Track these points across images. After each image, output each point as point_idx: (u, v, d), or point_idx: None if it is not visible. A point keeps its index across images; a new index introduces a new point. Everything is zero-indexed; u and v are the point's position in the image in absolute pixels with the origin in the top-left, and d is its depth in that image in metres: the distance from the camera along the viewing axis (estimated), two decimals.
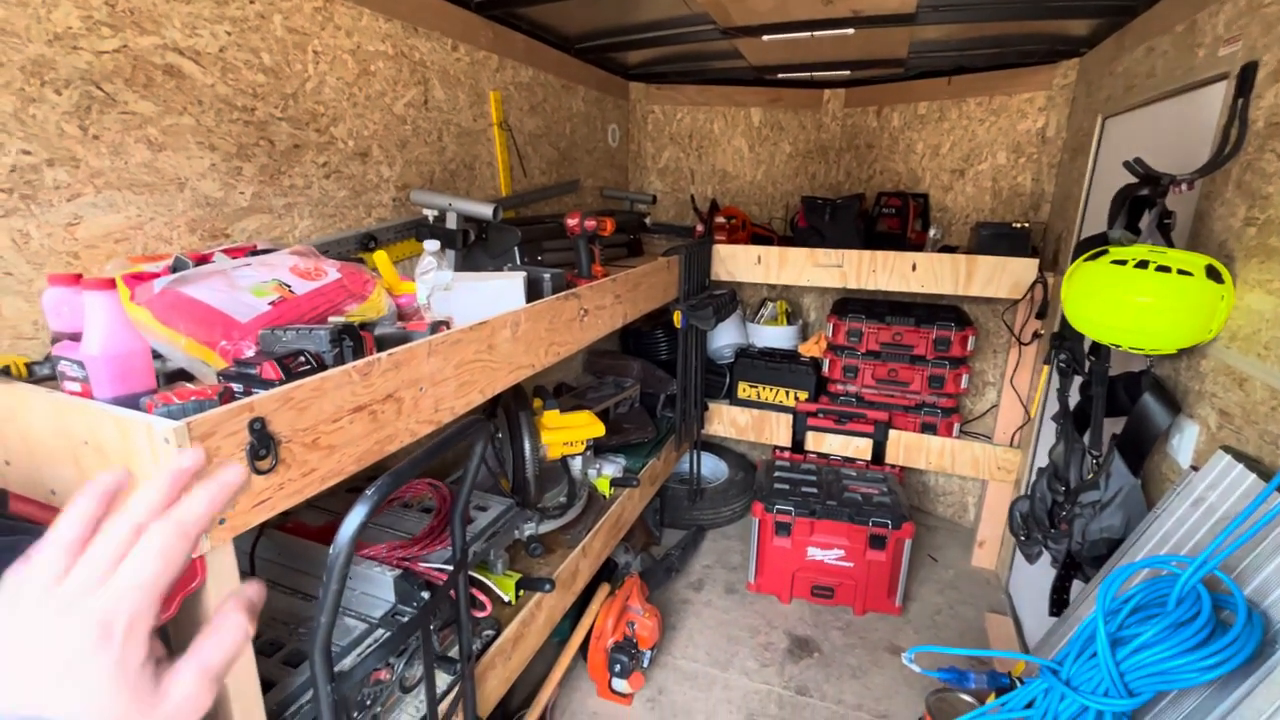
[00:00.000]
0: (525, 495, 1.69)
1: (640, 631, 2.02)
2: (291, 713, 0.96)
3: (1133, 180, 1.36)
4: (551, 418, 1.78)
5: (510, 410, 1.69)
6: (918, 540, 2.86)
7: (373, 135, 1.65)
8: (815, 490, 2.54)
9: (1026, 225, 2.39)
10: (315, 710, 0.94)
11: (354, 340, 0.98)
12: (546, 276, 1.59)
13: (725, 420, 2.96)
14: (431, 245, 1.28)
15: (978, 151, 2.78)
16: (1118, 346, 1.28)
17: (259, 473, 0.81)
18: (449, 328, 1.20)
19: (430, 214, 1.71)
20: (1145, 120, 1.82)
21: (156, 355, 0.97)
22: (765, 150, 3.21)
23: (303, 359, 0.91)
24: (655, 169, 3.33)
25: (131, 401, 0.78)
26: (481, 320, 1.26)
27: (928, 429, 2.67)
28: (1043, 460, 1.74)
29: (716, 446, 3.44)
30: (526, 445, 1.67)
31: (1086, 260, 1.31)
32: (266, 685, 1.00)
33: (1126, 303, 1.21)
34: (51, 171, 1.03)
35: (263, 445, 0.81)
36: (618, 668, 1.96)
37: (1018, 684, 1.20)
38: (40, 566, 0.35)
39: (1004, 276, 2.32)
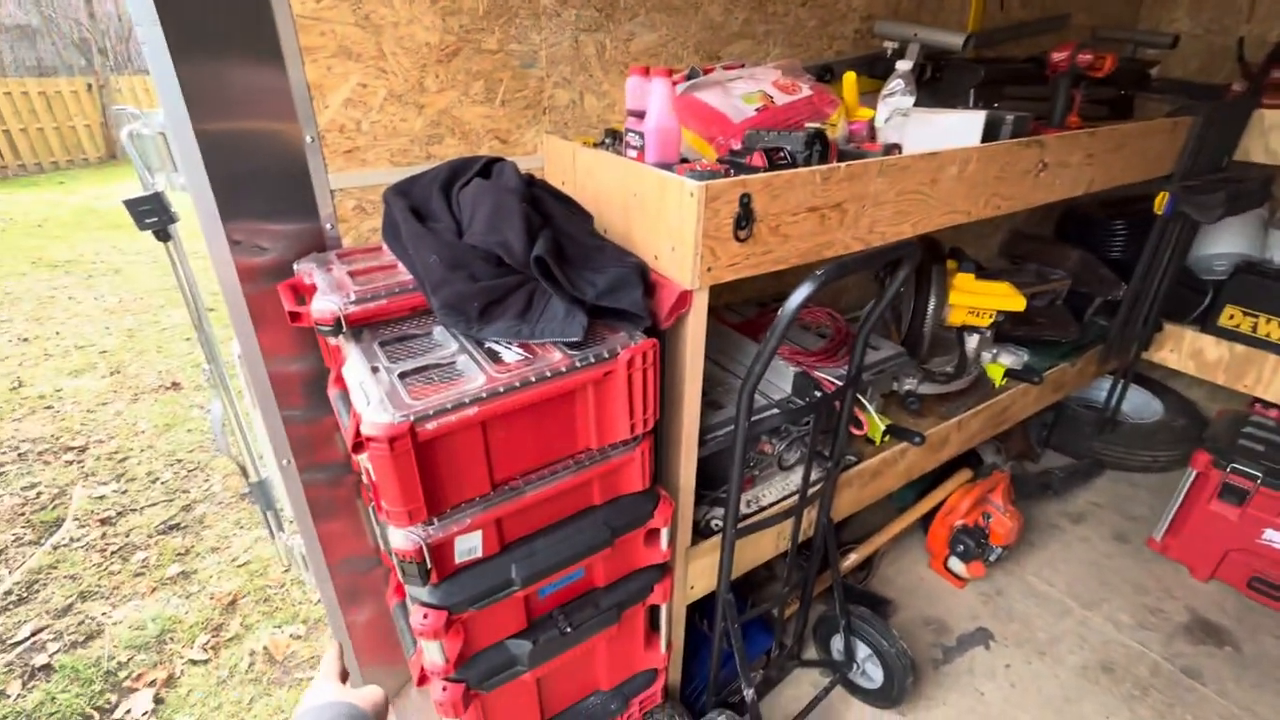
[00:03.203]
0: (916, 349, 1.69)
1: (995, 527, 1.91)
2: (710, 437, 1.25)
3: None
4: (965, 280, 1.68)
5: (923, 262, 1.66)
6: None
7: None
8: None
9: None
10: (728, 439, 1.22)
11: (823, 146, 1.09)
12: (1009, 118, 1.42)
13: (1184, 349, 2.31)
14: (904, 65, 1.27)
15: None
16: None
17: (739, 241, 1.02)
18: (900, 153, 1.21)
19: (890, 46, 1.66)
20: None
21: None
22: None
23: (782, 154, 1.06)
24: (1186, 3, 2.47)
25: (665, 168, 1.04)
26: (932, 151, 1.24)
27: None
28: None
29: (1150, 379, 2.74)
30: (932, 300, 1.64)
31: None
32: None
33: None
34: None
35: (745, 217, 1.00)
36: (960, 549, 1.93)
37: None
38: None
39: None
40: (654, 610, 1.28)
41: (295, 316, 0.98)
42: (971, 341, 1.88)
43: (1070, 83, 1.54)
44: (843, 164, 1.10)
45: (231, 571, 2.22)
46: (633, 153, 1.11)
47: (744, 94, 1.23)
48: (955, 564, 1.98)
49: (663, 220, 1.03)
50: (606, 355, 0.92)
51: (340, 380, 1.10)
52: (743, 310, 1.80)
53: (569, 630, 1.05)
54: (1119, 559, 2.13)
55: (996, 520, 1.93)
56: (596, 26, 1.34)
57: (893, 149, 1.21)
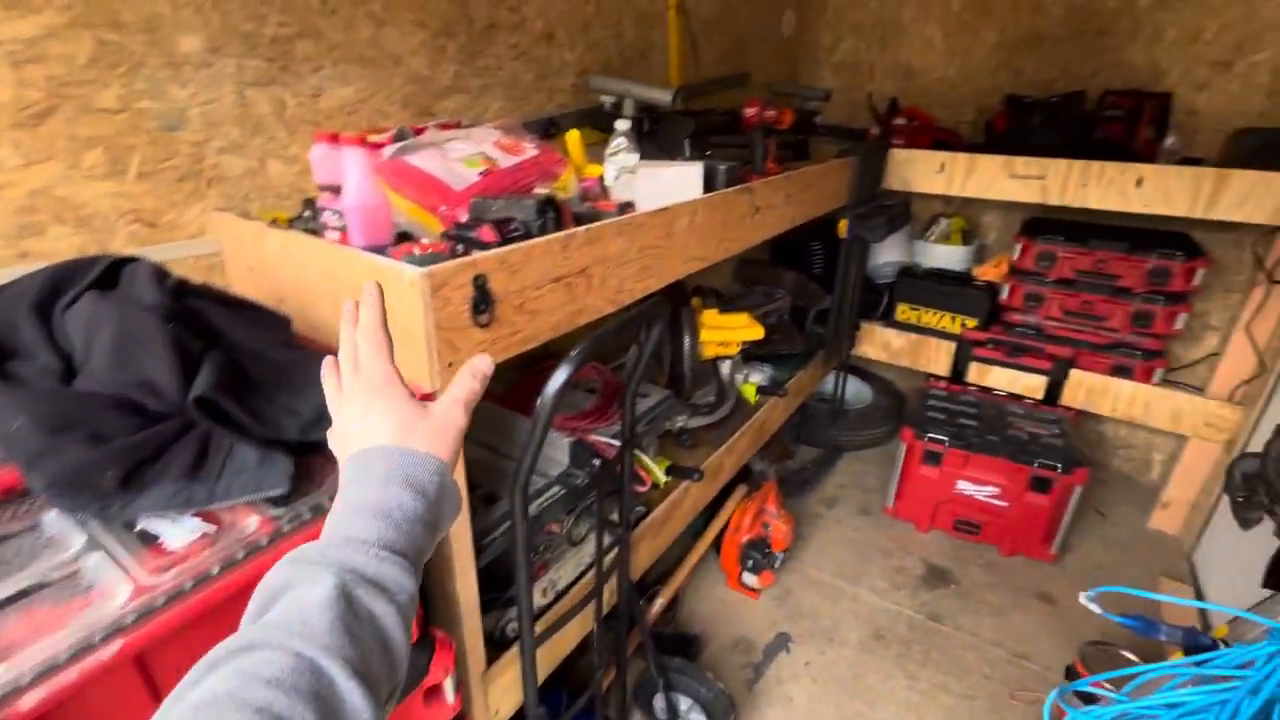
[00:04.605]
0: (680, 389, 1.74)
1: (774, 534, 2.07)
2: (488, 540, 1.09)
3: None
4: (710, 317, 1.78)
5: (674, 307, 1.71)
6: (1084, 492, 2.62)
7: (558, 16, 1.63)
8: (974, 423, 2.37)
9: None
10: (508, 540, 1.07)
11: (556, 212, 1.02)
12: (722, 168, 1.54)
13: (877, 342, 2.81)
14: (623, 124, 1.28)
15: (1256, 37, 2.22)
16: None
17: (479, 326, 0.89)
18: (634, 211, 1.20)
19: (607, 100, 1.70)
20: None
21: None
22: (963, 41, 2.79)
23: (514, 225, 0.96)
24: (829, 63, 3.04)
25: (377, 250, 0.87)
26: (664, 206, 1.26)
27: (1121, 372, 2.35)
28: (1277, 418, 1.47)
29: (860, 370, 3.29)
30: (686, 340, 1.70)
31: None
32: None
33: None
34: (301, 44, 1.13)
35: (483, 300, 0.88)
36: (750, 563, 2.04)
37: (1221, 647, 1.08)
38: (344, 371, 0.60)
39: (1266, 195, 1.90)
40: None
41: None
42: (725, 368, 2.01)
43: (763, 134, 1.73)
44: (581, 228, 1.05)
45: None
46: (334, 234, 0.91)
47: (464, 157, 1.11)
48: (749, 578, 2.09)
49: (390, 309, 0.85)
50: (327, 504, 0.71)
51: None
52: (505, 376, 1.68)
53: None
54: (866, 530, 2.47)
55: (775, 527, 2.09)
56: (269, 80, 1.11)
57: (627, 207, 1.20)
